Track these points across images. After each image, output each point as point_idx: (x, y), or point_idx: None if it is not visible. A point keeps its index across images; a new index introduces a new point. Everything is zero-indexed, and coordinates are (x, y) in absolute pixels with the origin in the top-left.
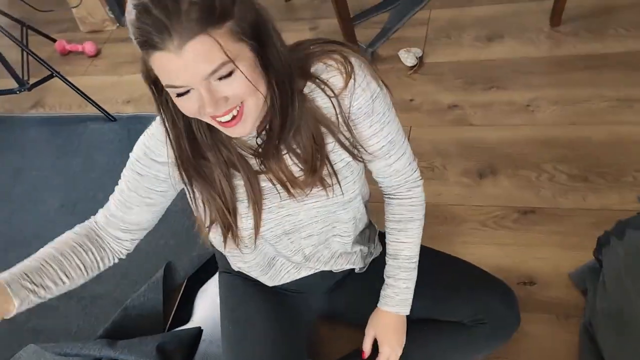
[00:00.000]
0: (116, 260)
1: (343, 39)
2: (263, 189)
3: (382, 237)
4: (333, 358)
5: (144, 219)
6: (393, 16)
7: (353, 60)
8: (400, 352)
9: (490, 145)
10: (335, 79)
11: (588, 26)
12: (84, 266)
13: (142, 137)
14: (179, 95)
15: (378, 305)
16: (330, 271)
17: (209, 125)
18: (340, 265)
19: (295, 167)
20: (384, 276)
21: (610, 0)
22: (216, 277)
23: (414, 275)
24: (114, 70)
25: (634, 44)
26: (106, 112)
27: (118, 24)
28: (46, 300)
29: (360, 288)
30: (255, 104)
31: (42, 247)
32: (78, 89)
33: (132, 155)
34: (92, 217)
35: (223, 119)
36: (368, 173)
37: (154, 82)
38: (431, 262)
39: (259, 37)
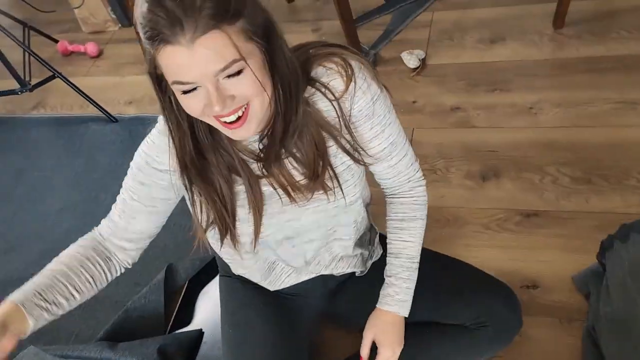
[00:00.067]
0: (123, 270)
1: (346, 40)
2: (264, 194)
3: (382, 239)
4: None
5: (148, 228)
6: (396, 18)
7: (353, 63)
8: (399, 354)
9: (493, 147)
10: (336, 82)
11: (591, 29)
12: (93, 279)
13: (142, 145)
14: (185, 92)
15: (377, 305)
16: (331, 275)
17: (210, 129)
18: (341, 269)
19: (297, 172)
20: (385, 276)
21: (613, 3)
22: (217, 279)
23: (414, 276)
24: (116, 71)
25: (637, 46)
26: (108, 113)
27: (120, 25)
28: (57, 317)
29: (360, 291)
30: (261, 105)
31: (42, 247)
32: (80, 90)
33: (133, 164)
34: (95, 228)
35: (228, 119)
36: (369, 175)
37: (158, 80)
38: (433, 264)
39: (268, 39)
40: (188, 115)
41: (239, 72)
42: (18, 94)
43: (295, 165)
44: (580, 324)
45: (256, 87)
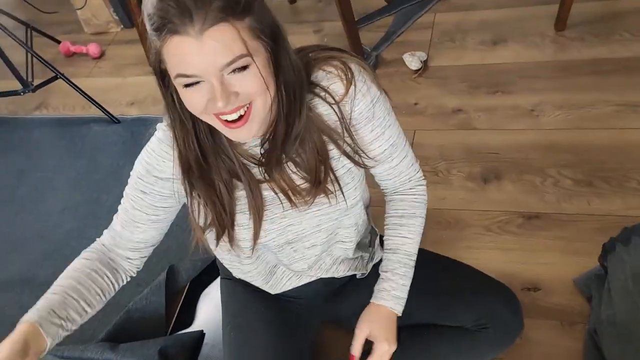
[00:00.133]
0: (128, 279)
1: (347, 41)
2: (265, 199)
3: (383, 241)
4: None
5: (151, 236)
6: (398, 19)
7: (353, 66)
8: (393, 351)
9: (495, 149)
10: (336, 85)
11: (593, 31)
12: (102, 291)
13: (142, 154)
14: (187, 86)
15: (372, 300)
16: (332, 277)
17: (212, 132)
18: (342, 272)
19: (298, 177)
20: (380, 271)
21: (615, 5)
22: (218, 280)
23: (411, 274)
24: (118, 72)
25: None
26: (110, 114)
27: (122, 26)
28: (71, 333)
29: (361, 293)
30: (263, 105)
31: (44, 247)
32: (82, 91)
33: (134, 173)
34: (97, 239)
35: (230, 118)
36: (368, 176)
37: (162, 76)
38: (434, 266)
39: (274, 39)
40: (191, 115)
41: (244, 68)
42: (20, 95)
43: (297, 170)
44: (582, 327)
45: (260, 85)
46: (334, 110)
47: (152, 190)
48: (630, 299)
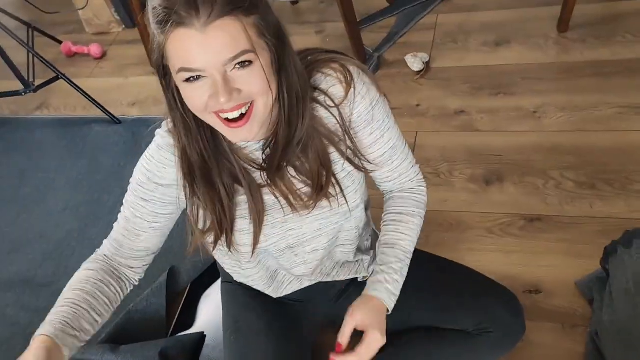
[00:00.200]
0: (131, 288)
1: (350, 43)
2: (266, 204)
3: None
4: None
5: (153, 244)
6: (400, 20)
7: (352, 68)
8: (383, 343)
9: (497, 151)
10: (335, 88)
11: (596, 32)
12: (110, 301)
13: (141, 161)
14: (190, 80)
15: (365, 291)
16: (334, 281)
17: (213, 135)
18: (342, 276)
19: (299, 182)
20: (375, 265)
21: (617, 7)
22: (219, 282)
23: (405, 271)
24: (120, 72)
25: None
26: (111, 114)
27: (124, 26)
28: (84, 344)
29: None
30: (265, 105)
31: (45, 247)
32: (83, 91)
33: (134, 181)
34: (96, 250)
35: (231, 116)
36: (368, 178)
37: (164, 73)
38: (434, 267)
39: (278, 39)
40: (193, 115)
41: (248, 65)
42: (22, 95)
43: (297, 174)
44: (584, 330)
45: (263, 83)
46: (333, 114)
47: (153, 198)
48: (632, 302)
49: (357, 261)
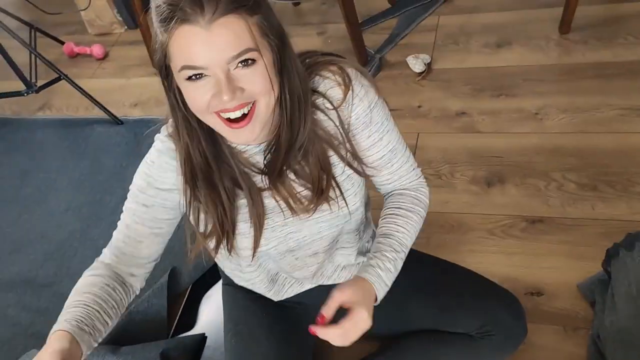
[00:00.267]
0: (134, 296)
1: (351, 44)
2: (266, 207)
3: None
4: None
5: (154, 251)
6: (401, 22)
7: (349, 70)
8: (369, 326)
9: (499, 153)
10: (333, 90)
11: (597, 34)
12: (117, 305)
13: (141, 166)
14: (192, 78)
15: (356, 274)
16: (334, 283)
17: (212, 140)
18: (343, 278)
19: (299, 185)
20: (368, 254)
21: (619, 9)
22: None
23: (399, 265)
24: (122, 73)
25: None
26: (113, 115)
27: (126, 27)
28: (95, 346)
29: None
30: (267, 105)
31: (47, 248)
32: (85, 92)
33: (134, 187)
34: (96, 259)
35: (233, 115)
36: (368, 181)
37: (166, 73)
38: (434, 269)
39: (280, 40)
40: (195, 116)
41: (251, 63)
42: (24, 96)
43: (297, 178)
44: (585, 332)
45: (266, 83)
46: (331, 117)
47: (154, 203)
48: (634, 305)
49: (358, 264)
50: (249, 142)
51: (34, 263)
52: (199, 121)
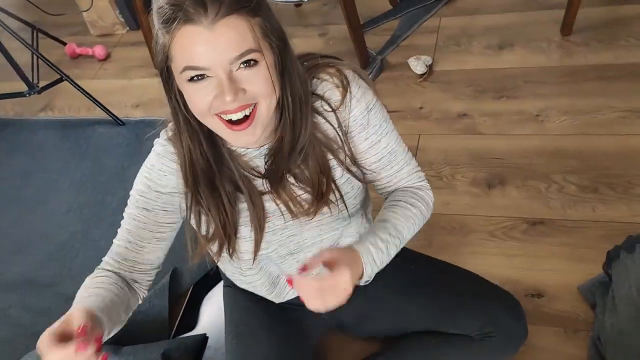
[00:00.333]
0: (139, 302)
1: (353, 45)
2: (267, 210)
3: None
4: None
5: (156, 257)
6: (403, 23)
7: (347, 72)
8: (349, 293)
9: (500, 154)
10: (331, 93)
11: (599, 36)
12: (127, 306)
13: (141, 171)
14: (194, 79)
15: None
16: None
17: (213, 144)
18: None
19: (300, 190)
20: (362, 234)
21: (620, 11)
22: (222, 283)
23: (392, 252)
24: (124, 74)
25: None
26: (115, 116)
27: (128, 28)
28: (107, 339)
29: (365, 300)
30: (268, 108)
31: (49, 248)
32: (87, 93)
33: (135, 192)
34: (97, 267)
35: (234, 117)
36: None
37: (167, 75)
38: (434, 269)
39: (281, 42)
40: (196, 119)
41: (254, 64)
42: (26, 96)
43: (297, 182)
44: (586, 334)
45: (268, 84)
46: (329, 120)
47: (155, 207)
48: (634, 307)
49: None
50: (250, 145)
51: (35, 263)
52: (199, 124)
